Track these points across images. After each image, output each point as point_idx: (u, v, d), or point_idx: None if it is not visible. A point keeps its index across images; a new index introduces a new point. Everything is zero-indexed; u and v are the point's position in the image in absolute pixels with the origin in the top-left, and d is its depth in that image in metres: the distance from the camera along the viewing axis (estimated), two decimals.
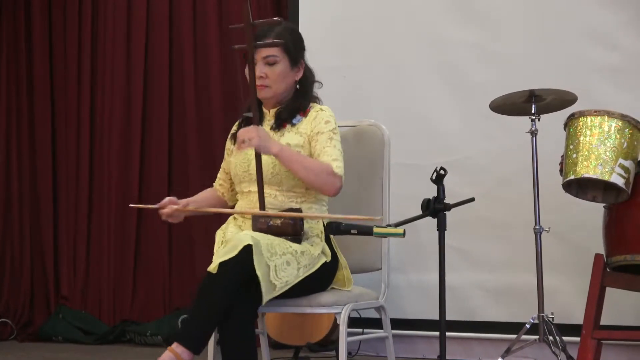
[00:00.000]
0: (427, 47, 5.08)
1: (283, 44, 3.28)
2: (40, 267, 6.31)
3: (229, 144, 3.52)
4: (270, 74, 3.31)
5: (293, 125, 3.34)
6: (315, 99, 3.44)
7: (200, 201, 3.51)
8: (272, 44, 3.27)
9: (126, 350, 5.61)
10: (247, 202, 3.31)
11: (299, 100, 3.38)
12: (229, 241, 3.12)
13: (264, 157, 3.24)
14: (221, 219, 3.47)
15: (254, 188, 3.25)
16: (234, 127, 3.52)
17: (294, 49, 3.37)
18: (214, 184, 3.61)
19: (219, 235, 3.32)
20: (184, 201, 3.39)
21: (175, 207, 3.31)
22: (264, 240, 3.03)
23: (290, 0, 5.47)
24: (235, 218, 3.36)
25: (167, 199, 3.35)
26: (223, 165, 3.57)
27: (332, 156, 3.24)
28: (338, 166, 3.23)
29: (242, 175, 3.34)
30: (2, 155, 6.44)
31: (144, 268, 6.06)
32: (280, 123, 3.34)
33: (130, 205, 3.57)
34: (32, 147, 6.40)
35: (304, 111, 3.36)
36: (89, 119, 6.23)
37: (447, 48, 5.02)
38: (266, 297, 3.00)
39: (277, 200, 3.26)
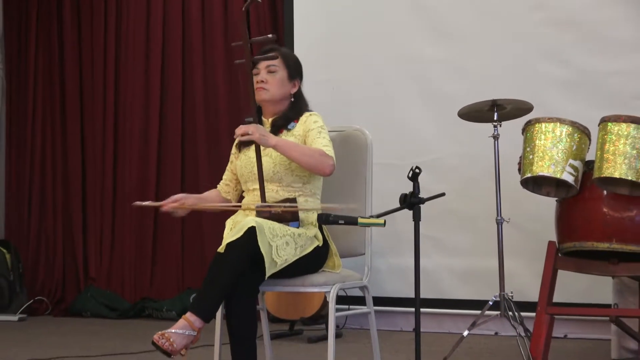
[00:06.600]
0: (405, 63, 5.10)
1: (276, 57, 3.31)
2: (71, 253, 6.33)
3: (234, 150, 3.52)
4: (270, 80, 3.34)
5: (289, 130, 3.35)
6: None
7: (204, 198, 3.48)
8: (268, 57, 3.29)
9: (145, 324, 5.62)
10: (252, 198, 3.30)
11: (293, 111, 3.39)
12: (235, 225, 3.14)
13: (266, 159, 3.25)
14: (226, 211, 3.46)
15: (258, 186, 3.25)
16: None
17: (293, 65, 3.39)
18: (217, 186, 3.60)
19: (228, 223, 3.31)
20: (183, 198, 3.34)
21: (174, 204, 3.29)
22: (267, 224, 3.03)
23: (286, 19, 5.47)
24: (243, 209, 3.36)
25: (172, 197, 3.32)
26: (230, 167, 3.55)
27: (322, 144, 3.24)
28: (328, 150, 3.22)
29: (247, 175, 3.34)
30: (39, 156, 6.46)
31: (160, 253, 6.07)
32: (277, 129, 3.35)
33: (134, 204, 3.37)
34: (64, 148, 6.42)
35: (297, 119, 3.38)
36: (113, 126, 6.24)
37: (422, 63, 5.04)
38: (269, 271, 3.00)
39: (278, 194, 3.26)
